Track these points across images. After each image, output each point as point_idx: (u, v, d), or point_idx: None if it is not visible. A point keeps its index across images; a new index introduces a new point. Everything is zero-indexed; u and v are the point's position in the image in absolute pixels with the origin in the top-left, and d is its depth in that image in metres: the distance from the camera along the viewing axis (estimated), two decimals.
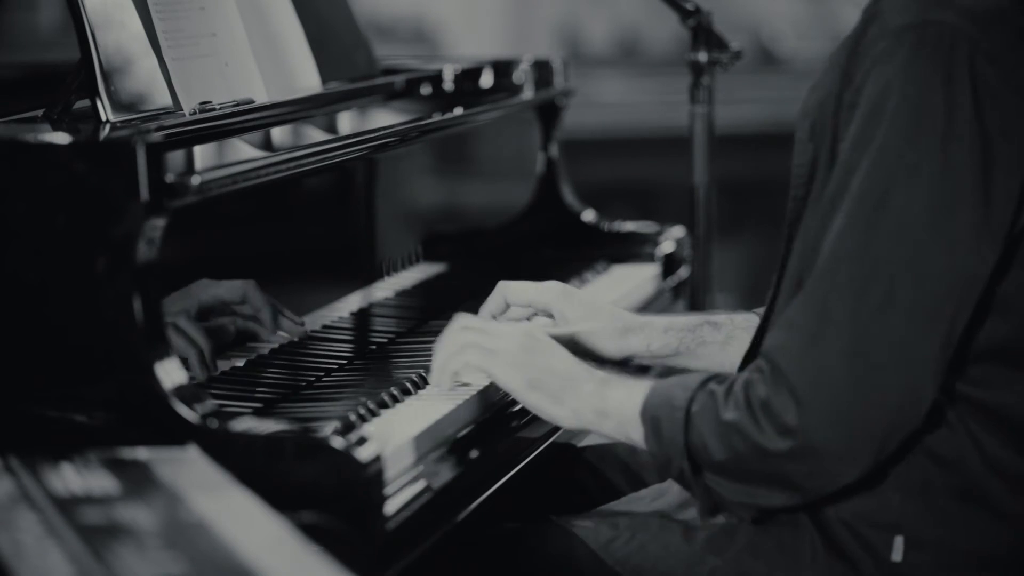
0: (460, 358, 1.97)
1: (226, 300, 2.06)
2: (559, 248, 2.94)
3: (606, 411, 1.89)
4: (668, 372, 2.14)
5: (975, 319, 1.76)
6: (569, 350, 2.10)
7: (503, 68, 2.89)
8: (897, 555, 1.80)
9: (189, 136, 2.03)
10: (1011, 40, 1.73)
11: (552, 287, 2.14)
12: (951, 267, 1.71)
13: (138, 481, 1.53)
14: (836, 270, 1.73)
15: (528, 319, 2.27)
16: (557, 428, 2.15)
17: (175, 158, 1.89)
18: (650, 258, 2.90)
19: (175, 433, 1.75)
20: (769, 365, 1.74)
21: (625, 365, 2.18)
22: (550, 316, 2.16)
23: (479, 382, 2.05)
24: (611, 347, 2.11)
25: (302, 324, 2.16)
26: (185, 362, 1.95)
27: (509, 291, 2.14)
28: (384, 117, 2.65)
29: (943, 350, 1.73)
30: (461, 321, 2.01)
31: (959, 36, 1.71)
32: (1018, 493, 1.79)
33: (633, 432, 1.87)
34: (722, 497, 1.82)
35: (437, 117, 2.51)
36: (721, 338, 2.13)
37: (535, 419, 2.09)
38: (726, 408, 1.77)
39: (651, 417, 1.84)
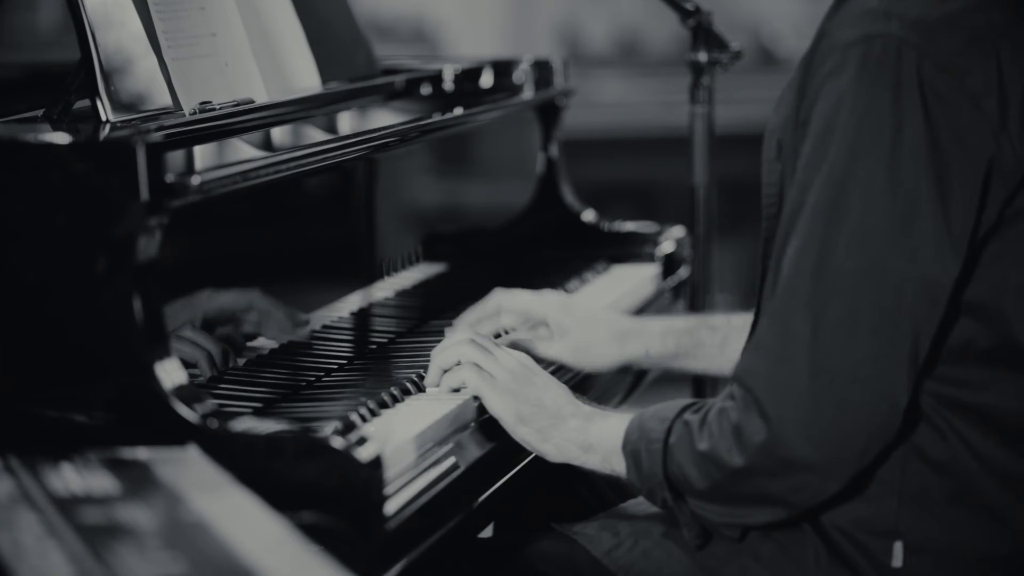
0: (458, 375, 1.99)
1: (230, 310, 2.06)
2: (559, 248, 2.94)
3: (590, 445, 1.91)
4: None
5: (950, 322, 1.76)
6: (567, 361, 2.10)
7: (503, 68, 2.89)
8: (897, 561, 1.80)
9: (189, 136, 2.03)
10: (962, 46, 1.72)
11: (548, 298, 2.14)
12: (911, 276, 1.71)
13: (138, 481, 1.53)
14: (796, 288, 1.73)
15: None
16: None
17: (175, 158, 1.89)
18: (650, 258, 2.89)
19: (175, 433, 1.75)
20: (741, 389, 1.75)
21: (625, 371, 2.18)
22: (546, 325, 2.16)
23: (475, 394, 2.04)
24: (609, 355, 2.12)
25: (307, 323, 2.16)
26: (194, 366, 1.95)
27: (504, 299, 2.14)
28: (384, 117, 2.65)
29: (911, 357, 1.73)
30: (466, 332, 2.01)
31: (905, 47, 1.70)
32: (1014, 492, 1.79)
33: (617, 465, 1.89)
34: (708, 520, 1.83)
35: (437, 117, 2.51)
36: (718, 340, 2.14)
37: None
38: (700, 438, 1.78)
39: (631, 451, 1.86)
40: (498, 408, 1.95)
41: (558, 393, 1.95)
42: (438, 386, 2.03)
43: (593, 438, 1.91)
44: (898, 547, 1.80)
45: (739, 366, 1.78)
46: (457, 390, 2.03)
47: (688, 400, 1.87)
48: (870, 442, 1.73)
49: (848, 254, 1.71)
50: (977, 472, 1.78)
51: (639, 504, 2.07)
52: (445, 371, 2.02)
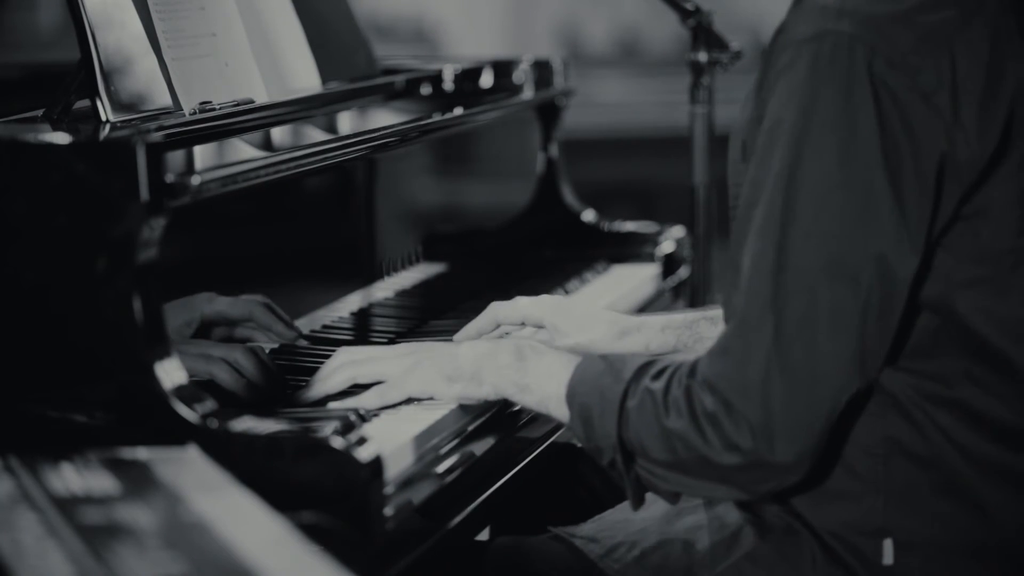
0: (370, 400, 1.95)
1: (229, 317, 2.05)
2: (559, 248, 2.94)
3: (527, 386, 1.89)
4: None
5: (913, 317, 1.76)
6: None
7: (503, 68, 2.89)
8: (888, 559, 1.80)
9: (189, 136, 2.03)
10: (915, 43, 1.72)
11: (544, 300, 2.13)
12: (869, 272, 1.70)
13: (138, 481, 1.53)
14: (756, 289, 1.72)
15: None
16: (557, 428, 2.15)
17: (175, 158, 1.89)
18: (650, 258, 2.89)
19: (175, 433, 1.75)
20: (719, 394, 1.72)
21: None
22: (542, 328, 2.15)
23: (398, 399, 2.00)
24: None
25: (298, 334, 2.16)
26: (214, 383, 1.94)
27: (501, 311, 2.13)
28: (384, 117, 2.65)
29: (876, 350, 1.73)
30: (342, 356, 1.99)
31: (857, 44, 1.70)
32: (997, 482, 1.79)
33: (555, 410, 1.87)
34: (654, 485, 1.82)
35: (437, 117, 2.51)
36: (718, 332, 2.13)
37: (535, 419, 2.09)
38: (667, 414, 1.76)
39: (579, 404, 1.83)
40: (420, 385, 1.94)
41: (463, 343, 1.96)
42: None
43: (530, 378, 1.89)
44: (888, 545, 1.80)
45: (709, 367, 1.75)
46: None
47: (642, 357, 1.85)
48: (825, 436, 1.74)
49: (804, 252, 1.70)
50: (960, 464, 1.78)
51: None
52: (330, 394, 1.99)
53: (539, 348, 1.92)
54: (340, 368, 1.97)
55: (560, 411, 1.87)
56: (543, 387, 1.88)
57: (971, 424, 1.78)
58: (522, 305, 2.13)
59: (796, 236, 1.70)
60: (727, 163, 1.91)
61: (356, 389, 1.98)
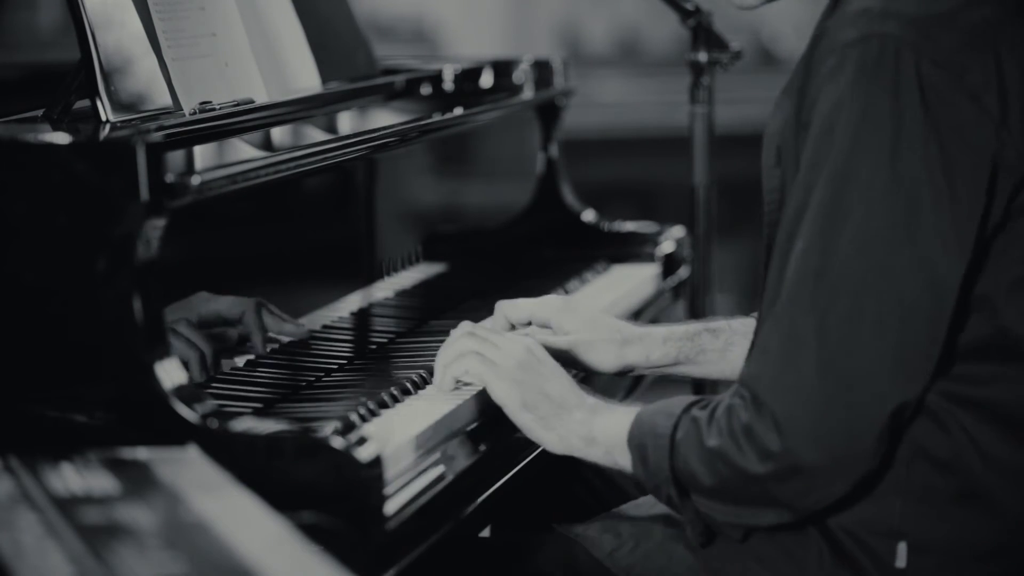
0: (460, 364, 1.99)
1: (225, 316, 2.06)
2: (559, 248, 2.94)
3: (594, 438, 1.90)
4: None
5: (958, 319, 1.76)
6: (567, 361, 2.09)
7: (503, 68, 2.89)
8: (901, 561, 1.80)
9: (189, 136, 2.03)
10: (960, 43, 1.72)
11: (551, 301, 2.15)
12: (917, 275, 1.70)
13: (138, 481, 1.53)
14: (801, 291, 1.73)
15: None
16: None
17: (175, 158, 1.89)
18: (650, 258, 2.90)
19: (175, 433, 1.75)
20: (749, 393, 1.74)
21: (624, 375, 2.18)
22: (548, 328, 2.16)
23: (479, 383, 2.05)
24: (610, 358, 2.12)
25: (302, 327, 2.16)
26: (186, 365, 1.94)
27: (508, 310, 2.14)
28: (384, 117, 2.65)
29: (922, 355, 1.73)
30: (466, 327, 2.01)
31: (903, 46, 1.70)
32: (1016, 486, 1.79)
33: (620, 458, 1.89)
34: (713, 519, 1.83)
35: (437, 117, 2.51)
36: (720, 345, 2.13)
37: None
38: (709, 435, 1.78)
39: (637, 445, 1.85)
40: (501, 395, 1.94)
41: (563, 383, 1.95)
42: (443, 385, 2.02)
43: (597, 431, 1.90)
44: (902, 547, 1.80)
45: (745, 371, 1.78)
46: (462, 385, 2.02)
47: (694, 396, 1.87)
48: (879, 443, 1.73)
49: (851, 255, 1.71)
50: (981, 468, 1.78)
51: (640, 506, 2.07)
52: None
53: (610, 405, 1.92)
54: (460, 340, 1.99)
55: (624, 458, 1.88)
56: (609, 438, 1.89)
57: (998, 427, 1.78)
58: (528, 304, 2.14)
59: (844, 238, 1.71)
60: (760, 167, 1.91)
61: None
